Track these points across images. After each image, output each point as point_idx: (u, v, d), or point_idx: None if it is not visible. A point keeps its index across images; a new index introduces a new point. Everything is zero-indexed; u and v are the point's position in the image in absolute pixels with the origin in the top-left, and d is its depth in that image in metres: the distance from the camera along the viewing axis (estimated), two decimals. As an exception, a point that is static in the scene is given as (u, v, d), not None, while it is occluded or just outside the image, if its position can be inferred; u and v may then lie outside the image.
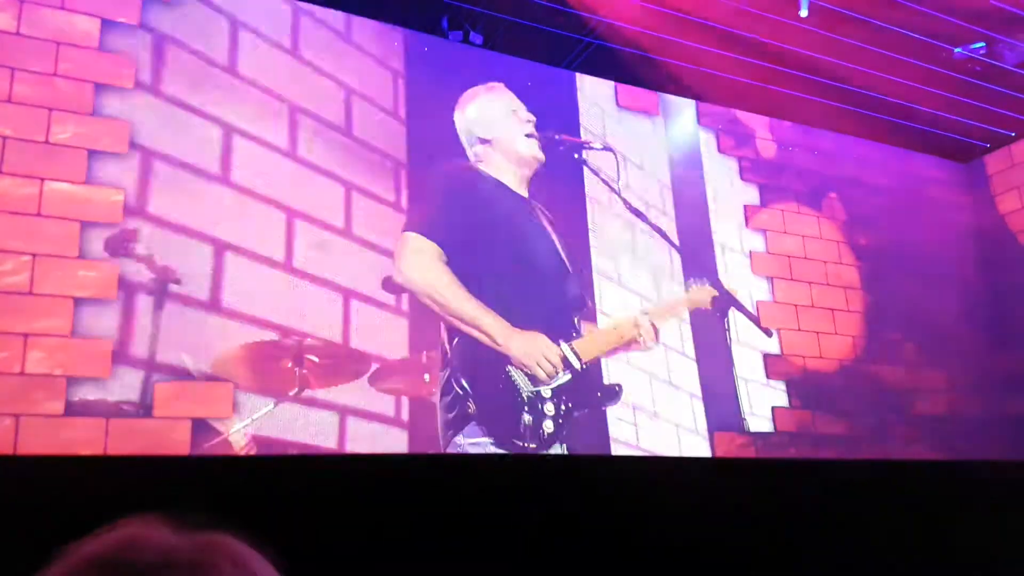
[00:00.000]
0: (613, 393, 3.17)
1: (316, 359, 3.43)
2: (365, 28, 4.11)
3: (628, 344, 3.19)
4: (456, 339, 2.96)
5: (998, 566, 2.61)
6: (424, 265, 2.97)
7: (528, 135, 3.27)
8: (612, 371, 3.98)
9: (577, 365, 3.03)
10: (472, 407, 2.88)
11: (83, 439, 2.97)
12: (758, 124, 5.27)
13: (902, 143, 5.63)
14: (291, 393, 3.38)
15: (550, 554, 2.06)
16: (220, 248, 3.44)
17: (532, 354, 2.97)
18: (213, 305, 3.36)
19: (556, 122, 4.01)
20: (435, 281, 2.96)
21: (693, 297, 3.28)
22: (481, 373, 2.94)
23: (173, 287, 3.26)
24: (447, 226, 3.04)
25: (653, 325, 3.14)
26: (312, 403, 3.46)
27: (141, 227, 3.28)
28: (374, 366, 3.57)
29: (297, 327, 3.50)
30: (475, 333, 2.97)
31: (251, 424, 3.27)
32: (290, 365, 3.38)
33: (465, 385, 2.90)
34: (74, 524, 0.79)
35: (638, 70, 4.65)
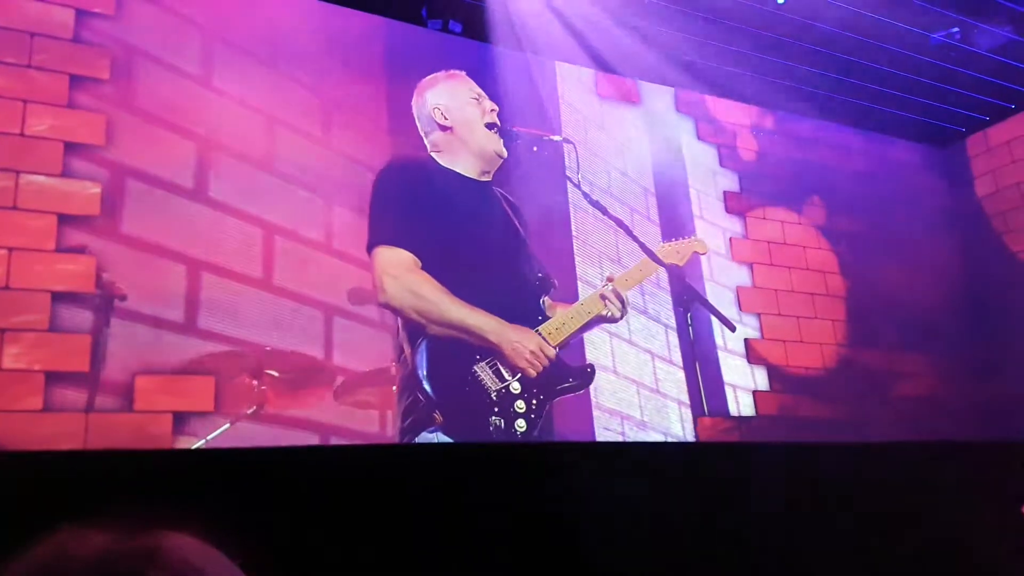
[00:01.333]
0: (586, 374, 2.95)
1: (276, 373, 3.27)
2: (344, 33, 4.04)
3: (598, 320, 3.01)
4: (420, 340, 2.74)
5: (975, 543, 2.65)
6: (403, 280, 2.74)
7: (490, 124, 3.06)
8: (601, 382, 3.96)
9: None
10: (439, 417, 2.67)
11: (62, 434, 2.94)
12: (737, 111, 5.28)
13: (879, 128, 5.67)
14: (247, 412, 3.22)
15: (521, 545, 2.07)
16: (194, 265, 3.35)
17: (520, 350, 2.77)
18: (189, 325, 3.27)
19: (533, 111, 3.95)
20: (419, 292, 2.71)
21: (660, 257, 3.07)
22: (446, 377, 2.71)
23: (120, 303, 3.13)
24: (413, 230, 2.81)
25: (619, 294, 2.97)
26: (285, 421, 3.34)
27: (90, 242, 3.19)
28: (339, 379, 3.44)
29: (272, 344, 3.37)
30: (467, 337, 2.75)
31: (203, 445, 3.11)
32: (247, 379, 3.22)
33: (428, 391, 2.67)
34: (54, 520, 0.79)
35: (616, 57, 4.64)
